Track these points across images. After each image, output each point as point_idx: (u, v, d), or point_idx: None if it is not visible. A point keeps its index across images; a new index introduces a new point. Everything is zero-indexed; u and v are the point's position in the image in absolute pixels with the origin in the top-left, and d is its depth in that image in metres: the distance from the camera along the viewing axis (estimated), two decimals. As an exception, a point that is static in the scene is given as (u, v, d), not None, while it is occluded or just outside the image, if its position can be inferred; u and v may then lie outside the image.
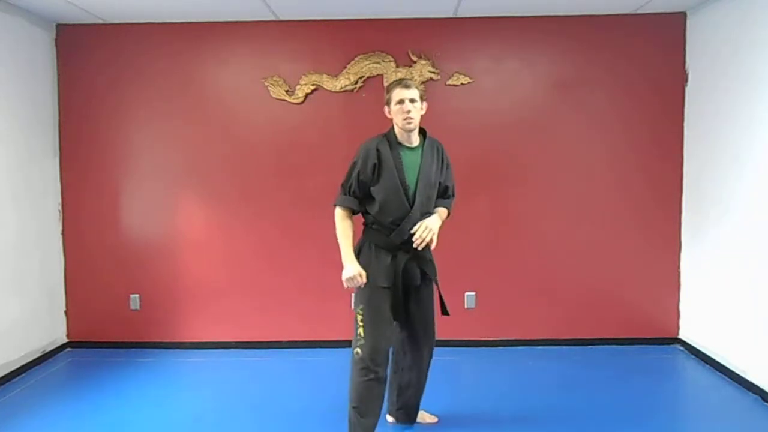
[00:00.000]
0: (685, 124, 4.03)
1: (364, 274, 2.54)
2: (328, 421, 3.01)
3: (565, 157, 4.09)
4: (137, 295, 4.18)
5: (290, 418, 3.07)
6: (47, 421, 3.06)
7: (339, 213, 2.65)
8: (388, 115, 2.64)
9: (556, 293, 4.14)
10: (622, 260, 4.12)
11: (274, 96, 4.06)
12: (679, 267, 4.11)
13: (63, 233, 4.17)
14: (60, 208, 4.15)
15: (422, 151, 2.64)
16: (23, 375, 3.71)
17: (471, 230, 4.11)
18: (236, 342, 4.17)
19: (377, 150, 2.56)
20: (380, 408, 2.64)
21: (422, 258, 2.67)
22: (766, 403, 3.19)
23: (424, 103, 2.65)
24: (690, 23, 3.97)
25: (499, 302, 4.15)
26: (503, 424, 2.97)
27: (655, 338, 4.14)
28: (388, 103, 2.61)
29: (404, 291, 2.65)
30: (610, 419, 3.00)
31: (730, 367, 3.53)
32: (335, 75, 4.05)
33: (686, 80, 4.01)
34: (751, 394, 3.31)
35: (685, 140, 4.04)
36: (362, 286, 2.56)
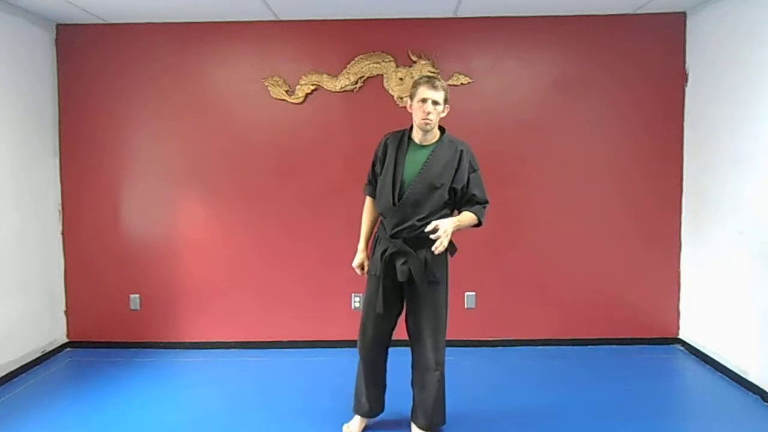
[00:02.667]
0: (685, 124, 4.03)
1: (361, 266, 2.79)
2: (328, 421, 3.01)
3: (565, 157, 4.09)
4: (137, 295, 4.18)
5: (290, 418, 3.07)
6: (47, 421, 3.06)
7: (366, 201, 2.84)
8: (409, 109, 2.64)
9: (556, 293, 4.14)
10: (622, 260, 4.12)
11: (274, 96, 4.06)
12: (679, 267, 4.11)
13: (63, 233, 4.17)
14: (60, 208, 4.15)
15: (434, 150, 2.61)
16: (23, 375, 3.71)
17: (471, 230, 4.10)
18: (236, 342, 4.17)
19: (386, 143, 2.70)
20: (375, 384, 2.84)
21: (410, 255, 2.60)
22: (766, 403, 3.20)
23: (447, 106, 2.62)
24: (690, 23, 3.97)
25: (499, 302, 4.15)
26: (503, 424, 2.97)
27: (655, 338, 4.14)
28: (411, 97, 2.61)
29: (398, 285, 2.68)
30: (610, 419, 3.00)
31: (730, 367, 3.53)
32: (335, 75, 4.05)
33: (686, 80, 4.01)
34: (751, 394, 3.31)
35: (685, 140, 4.04)
36: (364, 274, 2.78)
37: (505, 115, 4.07)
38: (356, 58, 4.03)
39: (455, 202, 2.71)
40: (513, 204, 4.11)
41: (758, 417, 3.06)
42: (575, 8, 3.89)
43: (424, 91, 2.54)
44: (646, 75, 4.02)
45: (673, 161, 4.06)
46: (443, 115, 2.62)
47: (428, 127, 2.57)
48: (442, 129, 2.70)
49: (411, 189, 2.57)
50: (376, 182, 2.74)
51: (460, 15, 3.96)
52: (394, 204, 2.59)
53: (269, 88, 4.06)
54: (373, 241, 2.81)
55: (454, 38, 4.03)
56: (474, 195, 2.67)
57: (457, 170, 2.62)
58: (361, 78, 4.03)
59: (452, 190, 2.64)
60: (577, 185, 4.10)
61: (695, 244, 3.96)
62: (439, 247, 2.47)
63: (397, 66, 4.02)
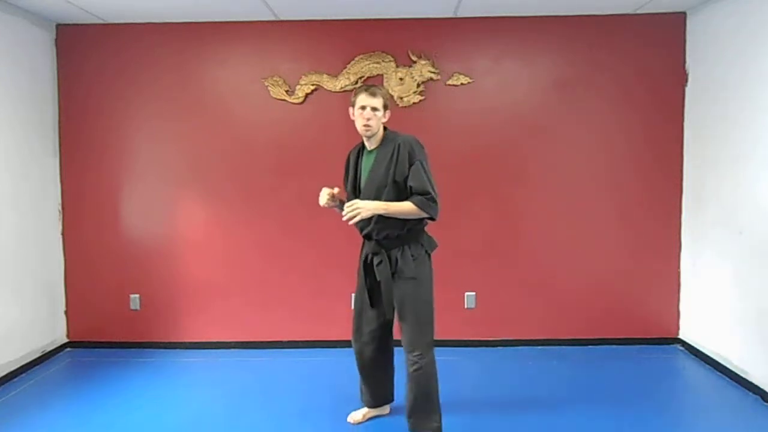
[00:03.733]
0: (685, 124, 4.03)
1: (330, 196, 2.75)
2: (328, 421, 3.01)
3: (565, 157, 4.09)
4: (137, 295, 4.18)
5: (290, 418, 3.07)
6: (47, 421, 3.06)
7: None
8: (352, 117, 2.72)
9: (555, 293, 4.14)
10: (622, 260, 4.11)
11: (274, 96, 4.06)
12: (679, 267, 4.11)
13: (63, 233, 4.17)
14: (60, 208, 4.15)
15: (377, 152, 2.69)
16: (23, 375, 3.71)
17: (471, 230, 4.11)
18: (236, 342, 4.17)
19: (348, 157, 2.85)
20: (370, 378, 2.95)
21: (381, 255, 2.67)
22: (766, 403, 3.20)
23: (388, 112, 2.70)
24: (690, 23, 3.97)
25: (499, 302, 4.15)
26: (503, 424, 2.97)
27: (655, 338, 4.14)
28: (352, 105, 2.69)
29: (376, 283, 2.74)
30: (610, 419, 3.00)
31: (730, 367, 3.53)
32: (335, 75, 4.05)
33: (686, 80, 4.01)
34: (751, 394, 3.31)
35: (684, 140, 4.04)
36: (328, 194, 2.73)
37: (505, 115, 4.07)
38: (356, 58, 4.03)
39: (410, 196, 2.62)
40: (513, 204, 4.11)
41: (758, 417, 3.06)
42: (575, 8, 3.89)
43: (363, 99, 2.63)
44: (645, 75, 4.02)
45: (673, 161, 4.06)
46: (384, 120, 2.69)
47: (369, 132, 2.65)
48: (390, 132, 2.73)
49: (363, 194, 2.68)
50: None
51: (460, 15, 3.96)
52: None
53: (269, 88, 4.06)
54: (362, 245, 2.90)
55: (454, 38, 4.03)
56: (410, 186, 2.57)
57: (396, 164, 2.61)
58: (361, 78, 4.03)
59: (399, 184, 2.61)
60: (577, 185, 4.09)
61: (695, 244, 3.96)
62: (344, 218, 2.56)
63: (397, 66, 4.02)
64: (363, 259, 2.79)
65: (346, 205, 2.58)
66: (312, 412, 3.12)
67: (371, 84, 2.76)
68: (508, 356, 3.98)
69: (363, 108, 2.63)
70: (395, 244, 2.67)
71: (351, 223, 2.57)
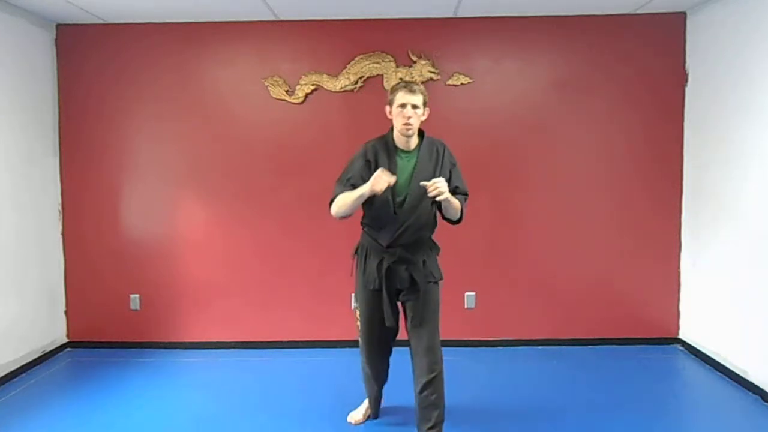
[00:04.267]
0: (685, 124, 4.03)
1: (380, 174, 2.43)
2: (328, 421, 3.01)
3: (565, 157, 4.09)
4: (137, 295, 4.18)
5: (290, 418, 3.07)
6: (47, 421, 3.06)
7: (337, 198, 2.60)
8: (389, 116, 2.62)
9: (555, 293, 4.14)
10: (622, 260, 4.11)
11: (274, 96, 4.06)
12: (679, 267, 4.11)
13: (63, 233, 4.17)
14: (60, 208, 4.15)
15: (418, 154, 2.61)
16: (23, 375, 3.71)
17: (471, 230, 4.09)
18: (236, 342, 4.17)
19: (374, 149, 2.62)
20: (374, 389, 2.96)
21: (410, 261, 2.61)
22: (766, 404, 3.19)
23: (427, 109, 2.61)
24: (690, 23, 3.97)
25: (499, 302, 4.15)
26: (503, 424, 2.97)
27: (655, 338, 4.14)
28: (390, 104, 2.59)
29: (396, 294, 2.67)
30: (610, 419, 3.00)
31: (730, 368, 3.53)
32: (335, 75, 4.05)
33: (686, 80, 4.01)
34: (751, 394, 3.31)
35: (684, 140, 4.04)
36: (388, 183, 2.43)
37: (505, 115, 4.07)
38: (356, 58, 4.03)
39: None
40: (513, 204, 4.11)
41: (758, 417, 3.06)
42: (575, 8, 3.89)
43: (402, 96, 2.52)
44: (645, 75, 4.02)
45: (673, 161, 4.06)
46: (423, 118, 2.61)
47: (410, 132, 2.55)
48: (421, 132, 2.69)
49: (409, 198, 2.57)
50: (353, 186, 2.58)
51: (460, 15, 3.96)
52: (394, 212, 2.57)
53: (269, 88, 4.06)
54: (357, 257, 2.79)
55: (454, 38, 4.03)
56: (456, 186, 2.65)
57: (441, 166, 2.64)
58: (361, 78, 4.03)
59: None
60: (577, 185, 4.09)
61: (695, 244, 3.96)
62: (431, 193, 2.40)
63: (397, 66, 4.02)
64: (384, 269, 2.61)
65: (433, 180, 2.41)
66: (312, 412, 3.12)
67: (410, 81, 2.62)
68: (508, 356, 3.98)
69: (403, 106, 2.51)
70: (422, 248, 2.63)
71: (440, 198, 2.40)
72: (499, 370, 3.74)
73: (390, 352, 2.89)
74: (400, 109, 2.53)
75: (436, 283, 2.70)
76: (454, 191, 2.62)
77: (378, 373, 2.91)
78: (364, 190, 2.44)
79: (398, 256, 2.60)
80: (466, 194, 2.70)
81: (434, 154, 2.64)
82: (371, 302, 2.71)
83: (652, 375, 3.62)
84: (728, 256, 3.56)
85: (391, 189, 2.51)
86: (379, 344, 2.80)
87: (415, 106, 2.52)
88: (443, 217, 2.71)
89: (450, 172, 2.65)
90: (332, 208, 2.62)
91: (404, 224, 2.57)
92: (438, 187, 2.39)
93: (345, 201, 2.54)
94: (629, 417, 3.02)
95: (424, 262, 2.65)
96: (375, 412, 3.05)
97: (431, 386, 2.62)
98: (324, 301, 4.12)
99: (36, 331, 3.89)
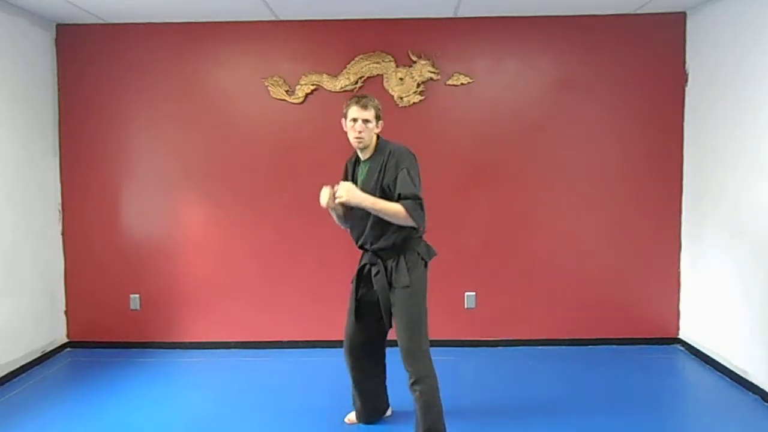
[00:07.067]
0: (685, 124, 4.03)
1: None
2: (327, 421, 3.01)
3: (566, 157, 4.09)
4: (137, 295, 4.17)
5: (290, 418, 3.07)
6: (47, 421, 3.06)
7: None
8: (344, 128, 2.71)
9: (556, 293, 4.14)
10: (622, 260, 4.11)
11: (274, 96, 4.06)
12: (679, 267, 4.11)
13: (63, 233, 4.17)
14: (60, 208, 4.15)
15: (370, 162, 2.69)
16: (23, 375, 3.71)
17: (471, 230, 4.11)
18: (236, 342, 4.17)
19: (346, 166, 2.86)
20: (359, 382, 2.91)
21: (376, 264, 2.66)
22: (766, 404, 3.19)
23: (380, 122, 2.68)
24: (690, 23, 3.96)
25: (499, 302, 4.15)
26: (503, 424, 2.97)
27: (655, 338, 4.14)
28: (345, 117, 2.68)
29: (368, 294, 2.74)
30: (610, 419, 3.00)
31: (731, 368, 3.53)
32: (335, 75, 4.05)
33: (686, 80, 4.01)
34: (751, 394, 3.31)
35: (684, 140, 4.04)
36: (329, 195, 2.64)
37: (505, 115, 4.07)
38: (356, 58, 4.03)
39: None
40: (513, 204, 4.11)
41: (758, 417, 3.06)
42: (575, 8, 3.89)
43: (354, 111, 2.61)
44: (645, 75, 4.02)
45: (673, 161, 4.06)
46: (377, 131, 2.68)
47: (361, 145, 2.65)
48: (383, 141, 2.71)
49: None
50: None
51: (460, 15, 3.96)
52: (355, 216, 2.71)
53: (269, 88, 4.06)
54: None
55: (454, 38, 4.03)
56: (399, 193, 2.54)
57: (385, 172, 2.61)
58: (361, 78, 4.03)
59: (386, 192, 2.59)
60: (577, 185, 4.09)
61: (695, 244, 3.96)
62: (335, 199, 2.58)
63: (397, 66, 4.02)
64: (359, 269, 2.78)
65: (341, 183, 2.60)
66: (311, 412, 3.12)
67: (362, 95, 2.68)
68: (508, 356, 3.98)
69: (354, 120, 2.61)
70: (391, 254, 2.66)
71: (337, 201, 2.57)
72: (499, 370, 3.74)
73: (373, 358, 2.88)
74: (351, 123, 2.63)
75: (406, 288, 2.60)
76: (398, 197, 2.54)
77: (354, 377, 2.88)
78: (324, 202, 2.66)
79: (368, 259, 2.72)
80: (414, 198, 2.53)
81: (384, 157, 2.63)
82: (352, 298, 2.83)
83: (652, 375, 3.62)
84: (728, 256, 3.56)
85: None
86: (356, 338, 2.82)
87: (366, 120, 2.61)
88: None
89: (396, 178, 2.57)
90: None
91: (363, 229, 2.67)
92: (339, 192, 2.55)
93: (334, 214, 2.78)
94: (629, 417, 3.02)
95: (392, 268, 2.64)
96: (366, 418, 2.99)
97: (415, 389, 2.57)
98: (324, 302, 4.12)
99: (36, 331, 3.89)
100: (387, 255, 2.67)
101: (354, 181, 2.74)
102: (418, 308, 2.65)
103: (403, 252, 2.66)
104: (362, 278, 2.76)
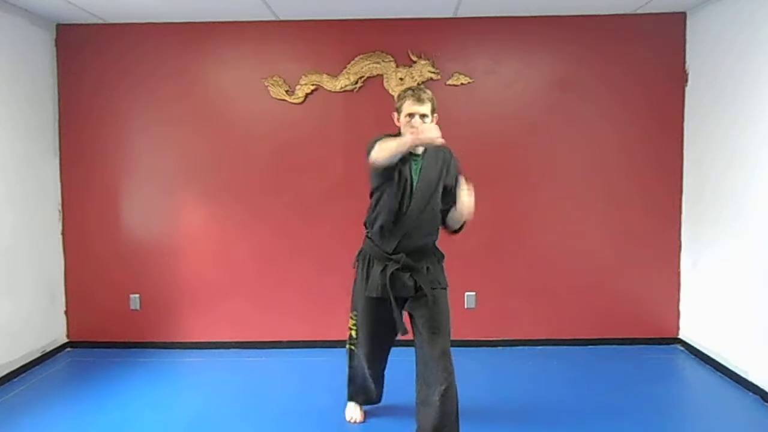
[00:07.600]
0: (685, 124, 4.03)
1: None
2: (327, 421, 3.01)
3: (566, 157, 4.09)
4: (137, 295, 4.17)
5: (290, 418, 3.07)
6: (47, 421, 3.06)
7: (377, 145, 2.42)
8: (397, 123, 2.54)
9: (556, 293, 4.14)
10: (622, 260, 4.11)
11: (274, 96, 4.06)
12: (679, 267, 4.11)
13: (63, 233, 4.17)
14: (60, 208, 4.15)
15: (424, 158, 2.54)
16: (23, 375, 3.71)
17: (471, 230, 4.07)
18: (236, 342, 4.17)
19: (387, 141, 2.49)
20: (374, 370, 2.87)
21: (414, 268, 2.54)
22: (766, 404, 3.19)
23: (435, 115, 2.51)
24: (690, 23, 3.96)
25: (499, 302, 4.15)
26: (503, 424, 2.97)
27: (655, 338, 4.14)
28: (398, 111, 2.52)
29: (401, 302, 2.60)
30: (610, 419, 3.00)
31: (731, 368, 3.53)
32: (335, 75, 4.05)
33: (686, 80, 4.01)
34: (751, 394, 3.31)
35: (684, 140, 4.04)
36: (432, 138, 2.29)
37: (505, 115, 4.07)
38: (356, 58, 4.03)
39: (445, 203, 2.62)
40: (513, 203, 4.11)
41: (758, 417, 3.06)
42: (575, 8, 3.89)
43: (409, 106, 2.43)
44: (646, 75, 4.02)
45: (673, 161, 4.06)
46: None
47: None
48: None
49: (414, 201, 2.49)
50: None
51: (460, 15, 3.96)
52: (396, 217, 2.51)
53: (269, 88, 4.06)
54: (358, 265, 2.73)
55: (454, 38, 4.03)
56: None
57: (447, 173, 2.58)
58: (361, 78, 4.03)
59: (446, 190, 2.58)
60: (576, 184, 4.09)
61: (695, 244, 3.96)
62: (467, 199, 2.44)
63: (397, 66, 4.02)
64: (388, 278, 2.51)
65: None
66: (311, 412, 3.12)
67: (416, 87, 2.50)
68: (508, 356, 3.98)
69: (410, 116, 2.43)
70: (427, 254, 2.57)
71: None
72: (499, 370, 3.74)
73: (387, 359, 2.90)
74: (407, 119, 2.45)
75: (443, 289, 2.64)
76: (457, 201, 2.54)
77: (377, 378, 2.93)
78: (407, 139, 2.29)
79: (402, 263, 2.52)
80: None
81: (443, 158, 2.58)
82: (372, 310, 2.64)
83: (652, 375, 3.62)
84: (729, 255, 3.56)
85: (403, 190, 2.47)
86: (380, 352, 2.80)
87: (423, 115, 2.44)
88: (444, 225, 2.66)
89: (456, 178, 2.57)
90: (373, 153, 2.42)
91: (409, 229, 2.51)
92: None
93: (388, 145, 2.34)
94: (629, 417, 3.02)
95: (427, 269, 2.58)
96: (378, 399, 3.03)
97: (440, 400, 2.49)
98: (324, 301, 4.12)
99: (36, 331, 3.89)
100: (422, 256, 2.56)
101: (405, 177, 2.49)
102: (449, 309, 2.65)
103: (434, 253, 2.61)
104: (398, 287, 2.54)
